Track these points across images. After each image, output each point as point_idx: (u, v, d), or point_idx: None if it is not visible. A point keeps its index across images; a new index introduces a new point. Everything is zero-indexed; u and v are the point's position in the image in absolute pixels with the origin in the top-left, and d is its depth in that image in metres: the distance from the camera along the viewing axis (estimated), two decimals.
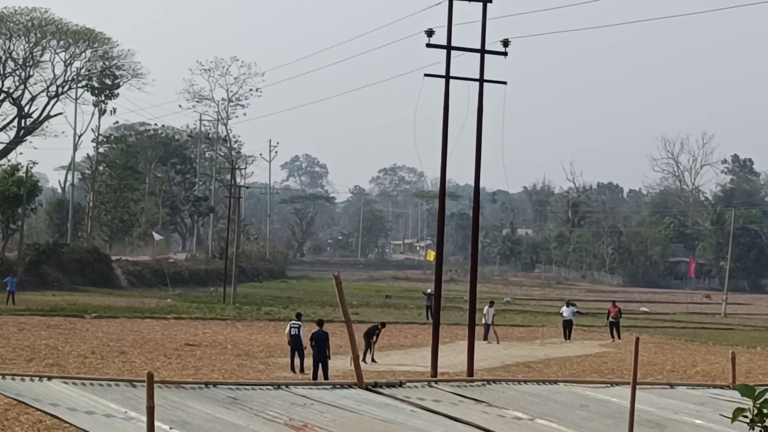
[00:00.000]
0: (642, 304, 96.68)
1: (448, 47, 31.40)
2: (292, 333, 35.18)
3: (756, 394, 6.56)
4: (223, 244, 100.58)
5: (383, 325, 42.46)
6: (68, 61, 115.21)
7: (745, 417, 6.58)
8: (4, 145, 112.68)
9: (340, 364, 36.45)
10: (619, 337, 53.79)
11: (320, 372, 32.25)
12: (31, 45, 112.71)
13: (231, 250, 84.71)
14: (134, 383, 11.83)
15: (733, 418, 6.62)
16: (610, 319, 55.64)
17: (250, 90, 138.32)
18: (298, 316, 37.17)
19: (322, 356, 32.41)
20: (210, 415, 10.95)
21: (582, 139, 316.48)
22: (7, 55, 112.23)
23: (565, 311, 54.97)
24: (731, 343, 55.47)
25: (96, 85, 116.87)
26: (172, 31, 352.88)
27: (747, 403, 6.62)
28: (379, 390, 12.95)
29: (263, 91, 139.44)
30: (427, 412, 12.07)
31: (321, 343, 32.50)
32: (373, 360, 38.62)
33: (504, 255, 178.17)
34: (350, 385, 13.12)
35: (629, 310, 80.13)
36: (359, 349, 37.94)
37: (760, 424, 6.52)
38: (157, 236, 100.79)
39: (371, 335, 39.85)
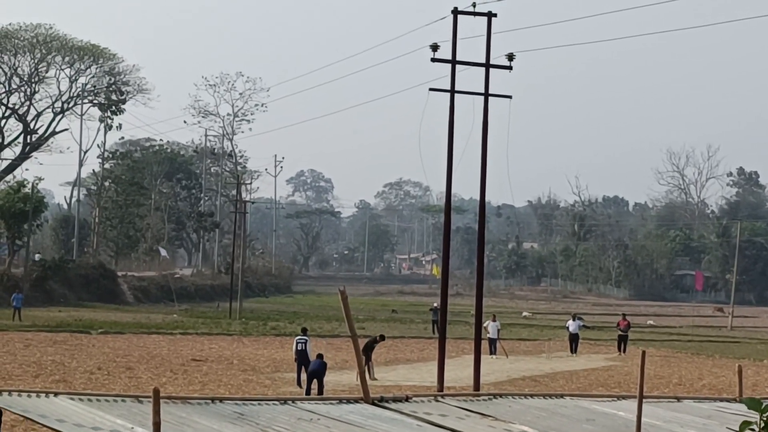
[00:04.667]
0: (648, 318, 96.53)
1: (453, 61, 31.41)
2: (299, 348, 35.12)
3: (763, 407, 6.57)
4: (228, 259, 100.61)
5: (382, 337, 41.54)
6: (73, 77, 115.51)
7: (752, 430, 6.59)
8: (10, 161, 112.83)
9: (346, 378, 36.46)
10: (624, 351, 53.69)
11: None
12: (36, 61, 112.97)
13: (237, 265, 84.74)
14: (141, 399, 11.85)
15: (740, 431, 6.63)
16: (619, 332, 55.59)
17: (256, 105, 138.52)
18: (304, 331, 37.11)
19: (318, 375, 32.11)
20: (216, 430, 10.96)
21: (587, 152, 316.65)
22: (13, 71, 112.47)
23: (572, 325, 54.93)
24: (738, 356, 55.37)
25: (102, 100, 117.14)
26: (177, 46, 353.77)
27: (754, 416, 6.63)
28: (386, 405, 12.95)
29: (268, 106, 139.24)
30: (433, 427, 12.07)
31: (318, 374, 32.13)
32: (372, 377, 37.80)
33: (510, 269, 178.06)
34: (356, 400, 13.12)
35: (636, 323, 79.94)
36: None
37: None
38: (163, 252, 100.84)
39: (370, 349, 39.33)
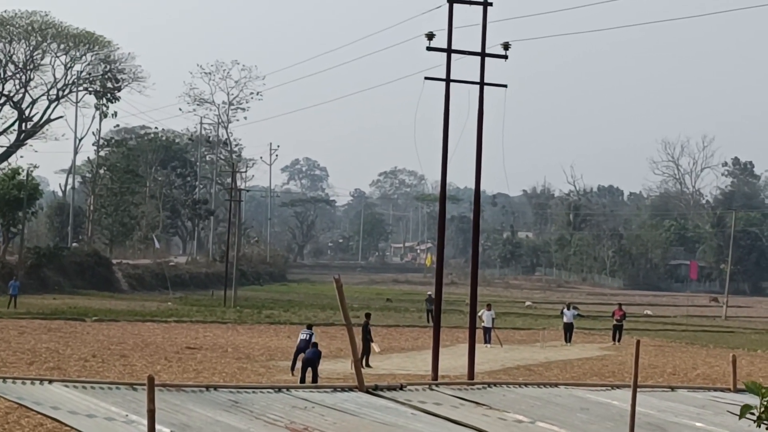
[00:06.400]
0: (644, 307, 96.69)
1: (449, 50, 31.36)
2: (303, 338, 34.82)
3: (763, 391, 6.60)
4: (223, 248, 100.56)
5: (368, 315, 41.49)
6: (69, 65, 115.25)
7: (752, 414, 6.62)
8: (5, 148, 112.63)
9: (340, 367, 36.47)
10: (619, 341, 53.76)
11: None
12: (31, 48, 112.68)
13: (231, 253, 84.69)
14: (135, 386, 11.84)
15: (741, 415, 6.66)
16: (614, 321, 55.69)
17: (251, 93, 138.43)
18: (309, 327, 37.00)
19: (312, 363, 32.04)
20: (211, 418, 10.96)
21: (582, 142, 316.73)
22: (8, 58, 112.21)
23: (567, 314, 55.00)
24: (732, 346, 55.49)
25: (97, 88, 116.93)
26: (173, 34, 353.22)
27: (752, 401, 6.65)
28: (380, 393, 12.95)
29: (264, 95, 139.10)
30: (427, 415, 12.07)
31: (312, 363, 32.05)
32: (367, 364, 37.50)
33: (504, 258, 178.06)
34: (351, 388, 13.12)
35: (631, 313, 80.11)
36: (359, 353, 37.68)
37: (767, 422, 6.56)
38: (156, 243, 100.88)
39: (368, 333, 39.29)
